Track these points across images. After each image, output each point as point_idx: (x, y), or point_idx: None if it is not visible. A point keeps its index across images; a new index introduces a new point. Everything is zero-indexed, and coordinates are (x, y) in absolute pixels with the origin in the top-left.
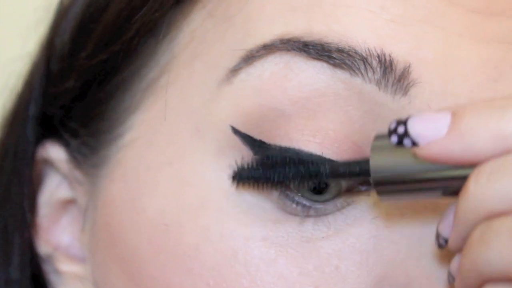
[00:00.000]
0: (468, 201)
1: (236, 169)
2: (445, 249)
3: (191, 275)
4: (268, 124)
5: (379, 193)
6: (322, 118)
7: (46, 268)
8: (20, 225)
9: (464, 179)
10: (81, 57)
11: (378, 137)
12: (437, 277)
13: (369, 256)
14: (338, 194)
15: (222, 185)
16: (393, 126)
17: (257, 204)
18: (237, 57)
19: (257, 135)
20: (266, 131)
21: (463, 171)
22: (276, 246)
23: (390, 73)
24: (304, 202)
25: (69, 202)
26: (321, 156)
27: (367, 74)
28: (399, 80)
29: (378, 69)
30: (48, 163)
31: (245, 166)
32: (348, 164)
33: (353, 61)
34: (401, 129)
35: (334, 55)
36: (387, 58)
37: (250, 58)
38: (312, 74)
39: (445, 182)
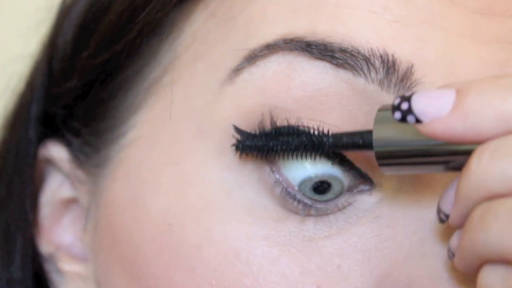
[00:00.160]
0: (469, 180)
1: (239, 139)
2: (447, 226)
3: (193, 274)
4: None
5: (381, 165)
6: (325, 117)
7: (48, 267)
8: (22, 224)
9: (466, 154)
10: (84, 56)
11: (382, 109)
12: (440, 276)
13: (371, 255)
14: (340, 194)
15: (224, 185)
16: (397, 102)
17: (259, 203)
18: (240, 57)
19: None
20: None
21: (466, 146)
22: (278, 245)
23: (393, 73)
24: (306, 200)
25: (71, 202)
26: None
27: (370, 74)
28: (402, 80)
29: (381, 69)
30: (50, 162)
31: (249, 135)
32: (351, 135)
33: (356, 61)
34: (405, 106)
35: (337, 55)
36: (390, 58)
37: (253, 57)
38: (315, 74)
39: (448, 157)
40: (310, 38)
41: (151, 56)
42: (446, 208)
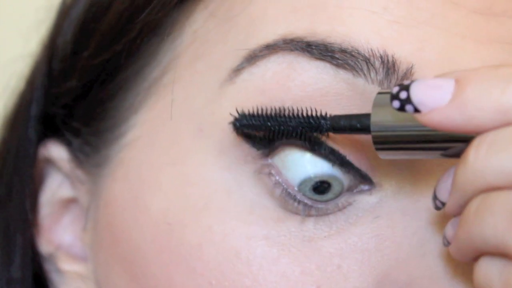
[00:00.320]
0: (466, 171)
1: (237, 116)
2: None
3: (193, 274)
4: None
5: (378, 149)
6: None
7: (48, 267)
8: (21, 224)
9: (464, 141)
10: (84, 56)
11: (381, 93)
12: (439, 277)
13: (371, 255)
14: (340, 194)
15: (224, 185)
16: (395, 90)
17: (259, 203)
18: (240, 57)
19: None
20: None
21: (464, 135)
22: (278, 245)
23: (393, 74)
24: (306, 201)
25: (70, 201)
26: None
27: (370, 74)
28: (401, 81)
29: (381, 69)
30: (49, 162)
31: (246, 113)
32: (349, 118)
33: (356, 62)
34: (403, 95)
35: (337, 56)
36: (390, 59)
37: (253, 58)
38: (315, 74)
39: (445, 143)
40: (310, 38)
41: (151, 56)
42: (443, 196)
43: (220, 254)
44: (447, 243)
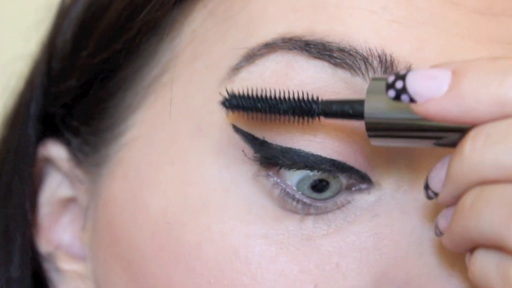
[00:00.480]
0: (462, 164)
1: (228, 96)
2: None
3: (192, 273)
4: (270, 123)
5: (370, 136)
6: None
7: (47, 266)
8: (21, 224)
9: (459, 132)
10: (83, 56)
11: (375, 80)
12: (437, 275)
13: (369, 254)
14: (338, 192)
15: (223, 184)
16: (391, 79)
17: (258, 202)
18: (239, 55)
19: (259, 133)
20: (267, 129)
21: (460, 125)
22: (276, 243)
23: (391, 73)
24: (305, 200)
25: (70, 201)
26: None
27: (368, 74)
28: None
29: (379, 69)
30: (49, 161)
31: (237, 94)
32: (341, 103)
33: (354, 61)
34: (399, 84)
35: (335, 55)
36: (388, 58)
37: (252, 56)
38: (313, 73)
39: (439, 133)
40: (309, 37)
41: (150, 55)
42: (436, 186)
43: (219, 253)
44: (439, 233)
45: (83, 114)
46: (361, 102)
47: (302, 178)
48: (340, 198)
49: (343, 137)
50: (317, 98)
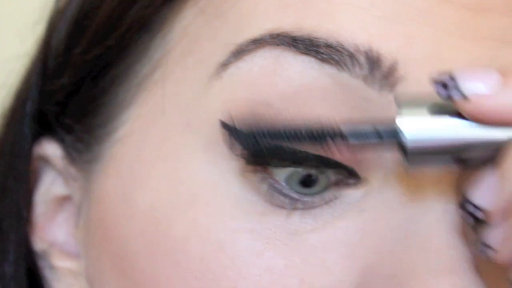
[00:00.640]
0: None
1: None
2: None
3: (179, 268)
4: (256, 118)
5: (410, 162)
6: (310, 113)
7: (41, 263)
8: (15, 222)
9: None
10: (76, 53)
11: (403, 104)
12: (422, 269)
13: (356, 249)
14: (327, 187)
15: (211, 179)
16: (439, 77)
17: (245, 197)
18: (227, 51)
19: (246, 129)
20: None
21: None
22: (263, 238)
23: (378, 69)
24: (292, 194)
25: (65, 199)
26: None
27: (354, 69)
28: (385, 77)
29: (366, 65)
30: (45, 160)
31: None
32: (369, 130)
33: (341, 57)
34: (449, 82)
35: (322, 50)
36: (375, 55)
37: (240, 52)
38: (301, 69)
39: (475, 151)
40: (296, 33)
41: (142, 52)
42: (484, 201)
43: (205, 247)
44: (489, 250)
45: (76, 112)
46: (392, 126)
47: (291, 174)
48: (328, 193)
49: None
50: (338, 127)
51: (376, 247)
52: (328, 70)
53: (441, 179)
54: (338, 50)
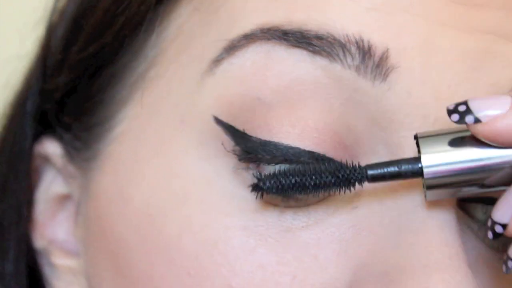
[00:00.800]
0: None
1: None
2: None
3: (172, 265)
4: (250, 114)
5: (430, 193)
6: (302, 107)
7: (41, 261)
8: (16, 220)
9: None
10: (73, 51)
11: (423, 138)
12: (414, 266)
13: (348, 246)
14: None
15: (204, 176)
16: (451, 106)
17: (238, 194)
18: (220, 48)
19: (239, 125)
20: (247, 121)
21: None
22: (255, 235)
23: (369, 59)
24: None
25: (65, 198)
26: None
27: (346, 60)
28: (378, 66)
29: (357, 55)
30: (45, 159)
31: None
32: (387, 165)
33: (332, 48)
34: (462, 108)
35: (313, 42)
36: (366, 44)
37: (232, 48)
38: (292, 62)
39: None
40: (287, 26)
41: (138, 51)
42: (505, 218)
43: (199, 244)
44: None
45: (74, 110)
46: (409, 160)
47: None
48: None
49: (321, 127)
50: (358, 165)
51: (368, 244)
52: (320, 62)
53: None
54: (329, 42)
